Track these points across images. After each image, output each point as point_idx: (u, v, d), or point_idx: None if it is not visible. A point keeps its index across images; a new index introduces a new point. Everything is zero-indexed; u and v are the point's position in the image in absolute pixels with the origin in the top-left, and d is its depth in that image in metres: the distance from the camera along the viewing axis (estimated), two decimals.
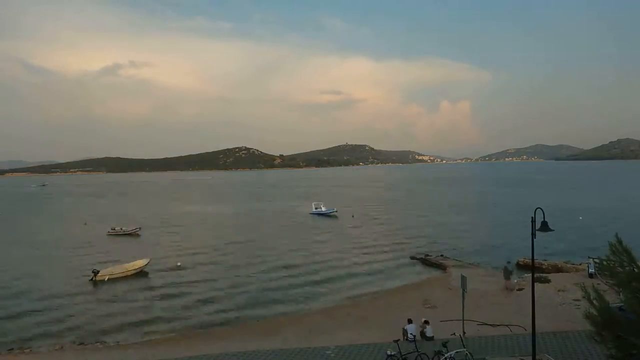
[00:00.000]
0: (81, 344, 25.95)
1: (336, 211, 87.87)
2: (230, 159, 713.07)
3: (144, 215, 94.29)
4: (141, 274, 42.25)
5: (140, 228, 70.99)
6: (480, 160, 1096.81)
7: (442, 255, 46.01)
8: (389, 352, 16.76)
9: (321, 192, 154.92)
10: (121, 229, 70.00)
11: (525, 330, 21.68)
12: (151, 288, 37.65)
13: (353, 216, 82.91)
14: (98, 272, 40.48)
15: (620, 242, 11.45)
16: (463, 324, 21.89)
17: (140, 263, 43.31)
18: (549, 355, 17.80)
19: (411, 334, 20.53)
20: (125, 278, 40.64)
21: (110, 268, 42.25)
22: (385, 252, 50.59)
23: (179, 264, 45.96)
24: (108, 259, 48.70)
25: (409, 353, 17.27)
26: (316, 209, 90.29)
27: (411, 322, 21.40)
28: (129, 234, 68.02)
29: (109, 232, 69.23)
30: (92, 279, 39.78)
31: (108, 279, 39.85)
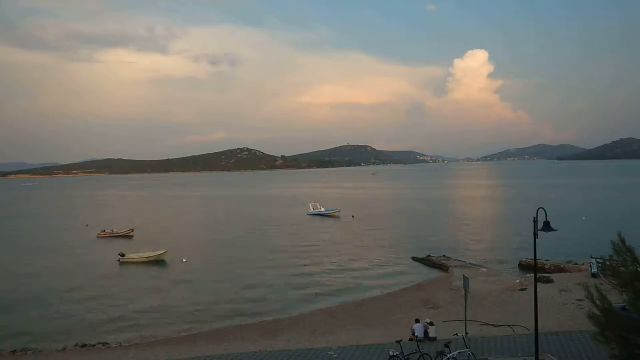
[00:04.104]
0: (84, 345, 25.98)
1: (339, 210, 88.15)
2: (232, 160, 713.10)
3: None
4: (157, 264, 46.50)
5: (133, 229, 69.12)
6: (482, 160, 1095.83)
7: (444, 256, 45.92)
8: (391, 353, 16.73)
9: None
10: (112, 230, 68.23)
11: (528, 330, 21.63)
12: (153, 287, 37.72)
13: (353, 216, 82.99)
14: (124, 254, 47.63)
15: (623, 241, 11.42)
16: (465, 324, 21.83)
17: (158, 253, 48.22)
18: (551, 355, 17.74)
19: (417, 334, 20.52)
20: (143, 267, 45.36)
21: (135, 254, 48.57)
22: (387, 252, 50.55)
23: (184, 259, 46.90)
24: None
25: (412, 353, 17.23)
26: (314, 209, 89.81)
27: (418, 322, 21.41)
28: (122, 236, 66.28)
29: (99, 234, 67.55)
30: (118, 260, 47.05)
31: (125, 261, 46.89)
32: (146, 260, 46.99)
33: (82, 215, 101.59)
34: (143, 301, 34.25)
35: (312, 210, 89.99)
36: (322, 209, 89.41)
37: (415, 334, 20.54)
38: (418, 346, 17.67)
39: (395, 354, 16.63)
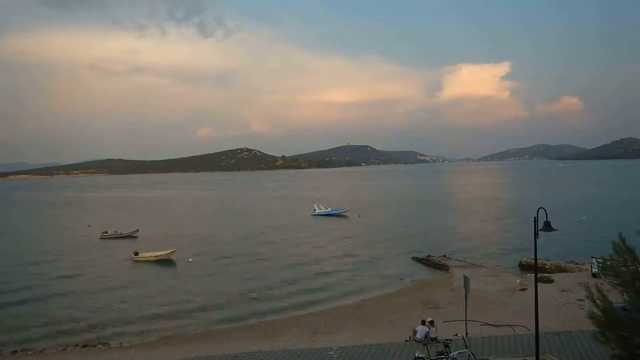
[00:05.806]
0: (84, 345, 25.96)
1: (346, 210, 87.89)
2: (233, 161, 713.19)
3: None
4: (165, 263, 47.09)
5: (137, 230, 68.10)
6: (482, 160, 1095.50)
7: (444, 256, 45.89)
8: (417, 354, 16.92)
9: None
10: (116, 231, 66.99)
11: (529, 330, 21.60)
12: (154, 288, 37.72)
13: (359, 216, 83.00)
14: (137, 253, 49.15)
15: (623, 241, 11.42)
16: (466, 324, 21.81)
17: (167, 251, 49.65)
18: (552, 355, 17.74)
19: (418, 336, 20.49)
20: (147, 267, 45.91)
21: (147, 253, 49.67)
22: (387, 252, 50.52)
23: (190, 259, 47.88)
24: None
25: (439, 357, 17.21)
26: (319, 210, 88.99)
27: (424, 324, 21.38)
28: (127, 237, 65.11)
29: (102, 235, 66.08)
30: (132, 259, 48.45)
31: (137, 261, 48.10)
32: (157, 258, 48.24)
33: None
34: (143, 302, 34.22)
35: (317, 210, 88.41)
36: (329, 209, 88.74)
37: (417, 336, 20.52)
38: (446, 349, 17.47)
39: (421, 356, 16.70)
